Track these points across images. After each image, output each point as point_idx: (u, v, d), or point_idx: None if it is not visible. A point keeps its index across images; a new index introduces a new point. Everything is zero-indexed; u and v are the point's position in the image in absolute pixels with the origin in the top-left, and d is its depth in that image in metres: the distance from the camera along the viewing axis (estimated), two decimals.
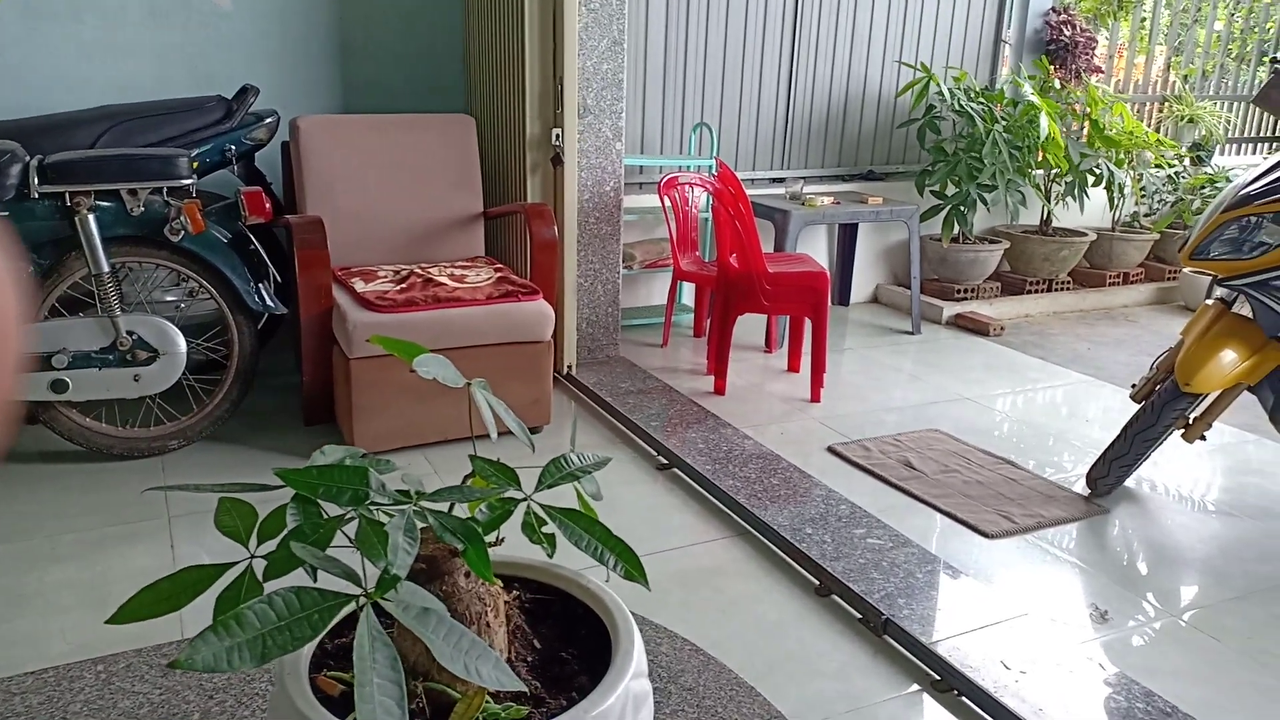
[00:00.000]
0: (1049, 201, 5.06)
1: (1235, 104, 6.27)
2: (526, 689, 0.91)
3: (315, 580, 0.95)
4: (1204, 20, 6.03)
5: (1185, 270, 5.28)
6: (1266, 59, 6.09)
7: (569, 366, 3.82)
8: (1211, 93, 6.15)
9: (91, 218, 2.75)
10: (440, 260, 3.52)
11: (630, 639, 1.11)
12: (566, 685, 1.09)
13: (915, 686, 1.99)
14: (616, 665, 1.05)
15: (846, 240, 5.00)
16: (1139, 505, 2.87)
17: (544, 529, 1.04)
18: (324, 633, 0.89)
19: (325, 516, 0.98)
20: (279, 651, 0.81)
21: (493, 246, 3.87)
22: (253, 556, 1.00)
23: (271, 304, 3.02)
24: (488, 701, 0.99)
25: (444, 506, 0.98)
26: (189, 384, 3.03)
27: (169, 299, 3.27)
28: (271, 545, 1.00)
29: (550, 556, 1.07)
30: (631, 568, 1.02)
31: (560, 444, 3.21)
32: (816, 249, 5.01)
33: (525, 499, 1.05)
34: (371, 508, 0.94)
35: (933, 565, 2.44)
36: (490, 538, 1.01)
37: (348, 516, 0.96)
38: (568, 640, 1.17)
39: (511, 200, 3.77)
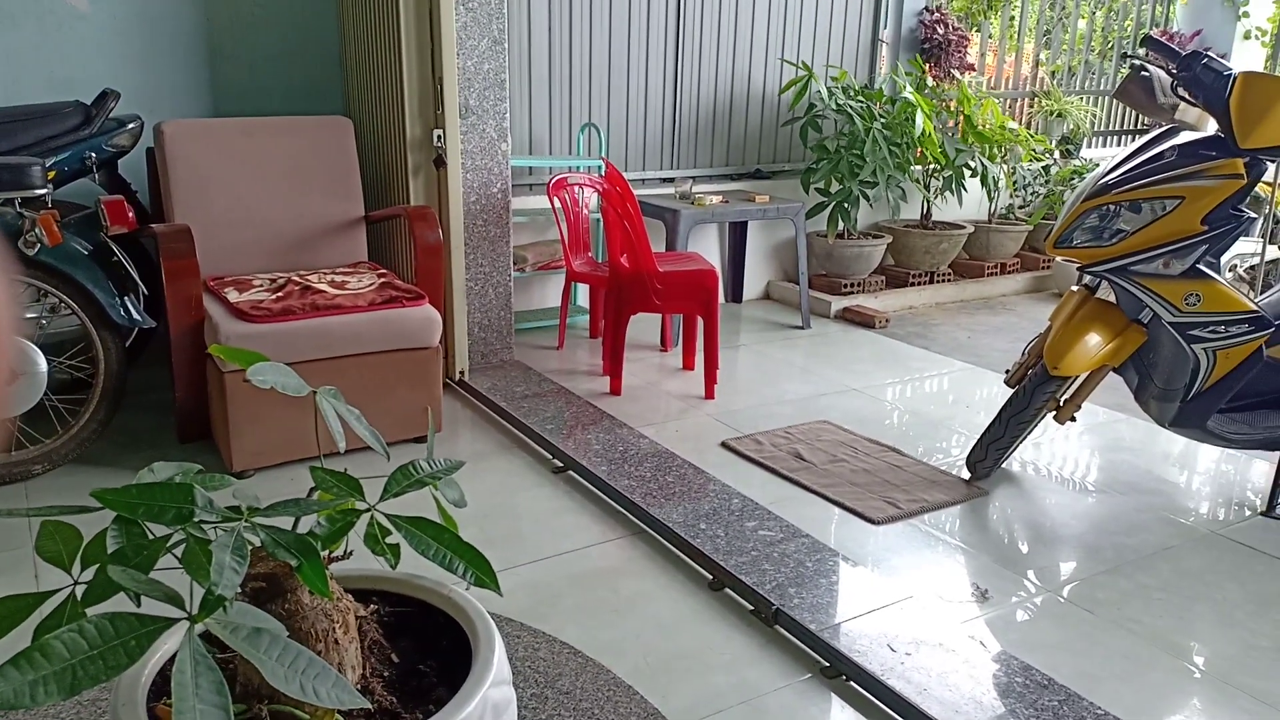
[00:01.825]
0: (929, 196, 5.22)
1: (1100, 99, 6.58)
2: (370, 706, 0.88)
3: (139, 605, 0.90)
4: (1069, 19, 6.31)
5: (1058, 258, 5.51)
6: (1124, 56, 6.41)
7: (461, 372, 3.75)
8: (1078, 88, 6.44)
9: None
10: (320, 267, 3.41)
11: (490, 646, 1.08)
12: (425, 698, 1.06)
13: (806, 674, 2.02)
14: (474, 674, 1.03)
15: (737, 238, 5.06)
16: (1017, 486, 2.97)
17: (389, 539, 1.01)
18: (160, 659, 0.84)
19: (151, 538, 0.92)
20: (91, 682, 0.76)
21: (375, 252, 3.78)
22: (76, 583, 0.94)
23: (138, 318, 2.89)
24: (337, 719, 0.95)
25: (285, 523, 0.94)
26: (52, 404, 2.87)
27: (28, 316, 3.09)
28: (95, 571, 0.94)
29: (394, 567, 1.03)
30: (482, 574, 1.00)
31: (451, 452, 3.15)
32: (708, 248, 5.05)
33: (369, 509, 1.01)
34: (201, 526, 0.89)
35: (822, 554, 2.48)
36: (338, 551, 0.97)
37: (175, 537, 0.91)
38: (429, 653, 1.14)
39: (394, 203, 3.69)
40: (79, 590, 0.93)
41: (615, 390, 3.67)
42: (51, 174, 2.92)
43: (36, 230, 2.68)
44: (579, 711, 1.78)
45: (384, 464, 1.09)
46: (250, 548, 0.87)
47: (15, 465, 2.81)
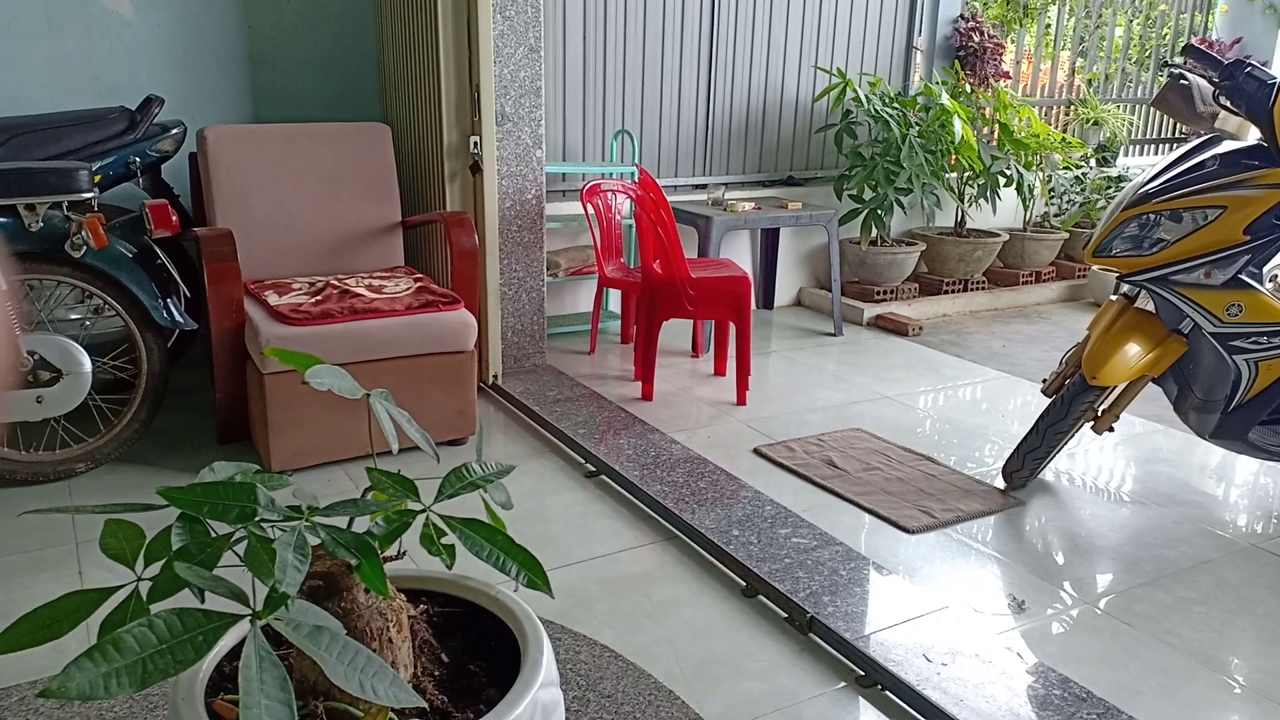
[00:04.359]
0: (963, 204, 5.19)
1: (1136, 107, 6.51)
2: (425, 704, 0.89)
3: (203, 601, 0.91)
4: (1105, 26, 6.26)
5: (1095, 267, 5.47)
6: (1163, 64, 6.35)
7: (495, 376, 3.78)
8: (1114, 96, 6.38)
9: None
10: (358, 271, 3.45)
11: (539, 648, 1.09)
12: (475, 698, 1.07)
13: (841, 683, 2.01)
14: (524, 675, 1.04)
15: (769, 245, 5.06)
16: (1053, 497, 2.94)
17: (443, 540, 1.02)
18: (216, 655, 0.86)
19: (213, 535, 0.95)
20: (160, 675, 0.78)
21: (412, 256, 3.82)
22: (139, 579, 0.96)
23: (180, 320, 2.93)
24: (391, 718, 0.97)
25: (341, 522, 0.96)
26: (96, 404, 2.92)
27: (73, 317, 3.15)
28: (161, 568, 0.96)
29: (449, 568, 1.05)
30: (534, 575, 1.01)
31: (484, 456, 3.17)
32: (739, 254, 5.05)
33: (424, 510, 1.03)
34: (262, 525, 0.91)
35: (856, 562, 2.47)
36: (391, 551, 0.99)
37: (236, 535, 0.93)
38: (477, 653, 1.15)
39: (430, 209, 3.72)
40: (142, 586, 0.95)
41: (647, 395, 3.68)
42: (97, 178, 2.97)
43: (83, 233, 2.74)
44: (621, 715, 1.79)
45: (421, 466, 1.10)
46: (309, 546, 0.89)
47: (59, 463, 2.86)
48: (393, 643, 1.02)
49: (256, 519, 0.91)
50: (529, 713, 0.99)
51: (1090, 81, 6.22)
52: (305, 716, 0.96)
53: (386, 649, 1.02)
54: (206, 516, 0.91)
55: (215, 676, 1.06)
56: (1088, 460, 3.23)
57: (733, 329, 3.80)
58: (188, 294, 3.08)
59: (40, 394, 2.76)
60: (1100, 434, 2.82)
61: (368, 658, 0.84)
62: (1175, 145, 6.67)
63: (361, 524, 1.02)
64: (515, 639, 1.14)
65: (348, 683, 0.82)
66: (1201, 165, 2.58)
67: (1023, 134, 5.04)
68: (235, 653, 1.10)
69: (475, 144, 3.55)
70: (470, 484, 1.06)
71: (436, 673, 1.10)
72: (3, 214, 2.69)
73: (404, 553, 1.06)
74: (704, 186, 4.93)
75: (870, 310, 4.88)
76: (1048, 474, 3.08)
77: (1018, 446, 2.92)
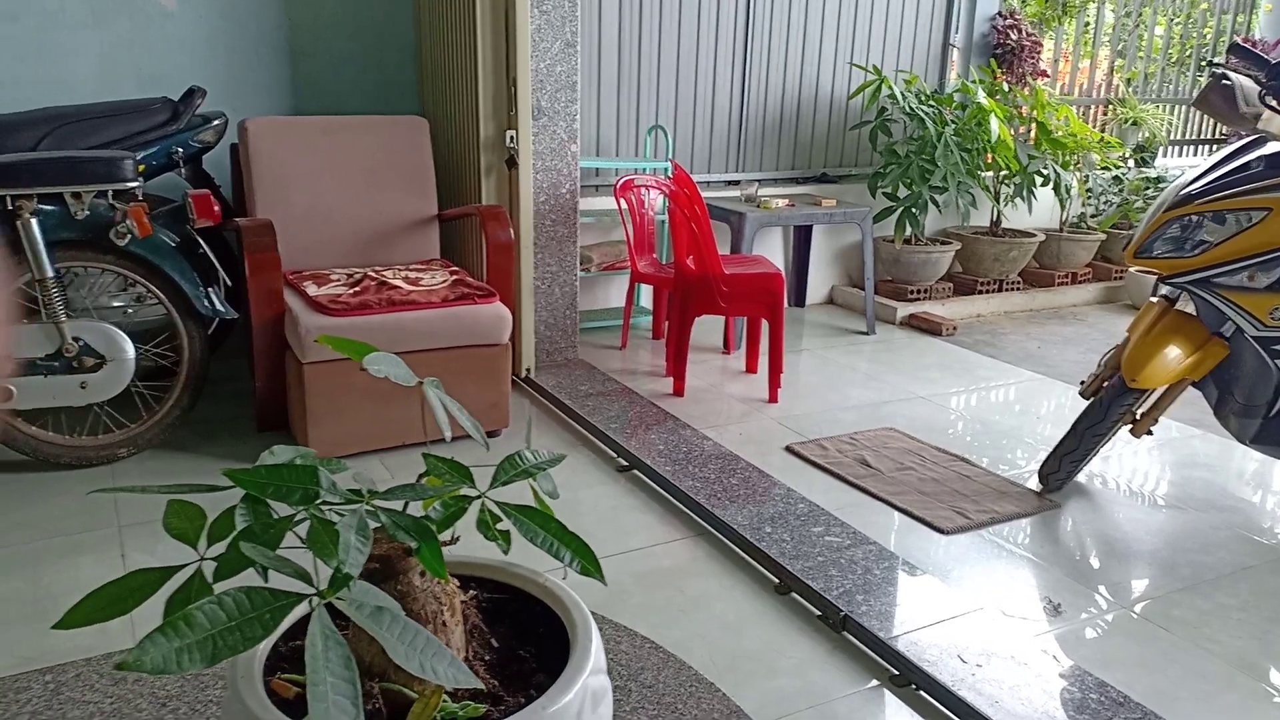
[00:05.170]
0: (998, 203, 5.15)
1: (1176, 107, 6.43)
2: (484, 686, 0.91)
3: (266, 581, 0.93)
4: (1145, 24, 6.18)
5: (1131, 269, 5.40)
6: (1205, 64, 6.26)
7: (527, 369, 3.80)
8: (1154, 96, 6.31)
9: (34, 222, 2.69)
10: (394, 263, 3.48)
11: (588, 635, 1.10)
12: (524, 683, 1.08)
13: (874, 682, 2.01)
14: (574, 661, 1.05)
15: (801, 242, 5.04)
16: (1090, 500, 2.92)
17: (498, 526, 1.04)
18: (277, 635, 0.87)
19: (275, 517, 0.96)
20: (230, 652, 0.79)
21: (448, 249, 3.85)
22: (202, 559, 0.98)
23: (222, 309, 2.97)
24: (445, 700, 0.98)
25: (397, 506, 0.97)
26: (138, 391, 2.97)
27: (116, 304, 3.20)
28: (221, 548, 0.98)
29: (505, 553, 1.06)
30: (587, 563, 1.02)
31: (518, 448, 3.19)
32: (772, 251, 5.04)
33: (480, 496, 1.04)
34: (322, 507, 0.93)
35: (890, 562, 2.47)
36: (445, 536, 1.00)
37: (298, 517, 0.95)
38: (524, 639, 1.17)
39: (466, 202, 3.75)
40: (205, 567, 0.97)
41: (678, 391, 3.69)
42: (141, 168, 3.01)
43: (128, 222, 2.78)
44: (662, 705, 1.80)
45: (462, 456, 1.11)
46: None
47: (102, 448, 2.91)
48: (446, 626, 1.04)
49: (318, 501, 0.93)
50: (579, 699, 1.01)
51: (1129, 81, 6.15)
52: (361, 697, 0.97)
53: (441, 632, 1.03)
54: (271, 498, 0.93)
55: (270, 656, 1.08)
56: (1123, 464, 3.20)
57: (765, 326, 3.80)
58: (228, 283, 3.12)
59: (85, 380, 2.81)
60: (1139, 437, 2.79)
61: (427, 639, 0.85)
62: (1215, 147, 6.58)
63: (414, 509, 1.03)
64: (562, 627, 1.16)
65: (408, 662, 0.83)
66: (1246, 166, 2.54)
67: (1060, 133, 4.99)
68: (288, 634, 1.12)
69: (511, 138, 3.57)
70: (523, 471, 1.07)
71: (487, 657, 1.11)
72: (49, 202, 2.73)
73: (457, 538, 1.07)
74: (737, 183, 4.93)
75: (903, 309, 4.85)
76: (1082, 477, 3.06)
77: (1054, 448, 2.90)
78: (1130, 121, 5.81)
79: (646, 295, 4.67)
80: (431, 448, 2.76)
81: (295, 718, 0.97)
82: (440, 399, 1.09)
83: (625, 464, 3.05)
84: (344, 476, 1.01)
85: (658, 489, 2.89)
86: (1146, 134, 5.82)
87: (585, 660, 1.05)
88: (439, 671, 0.84)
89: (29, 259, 2.69)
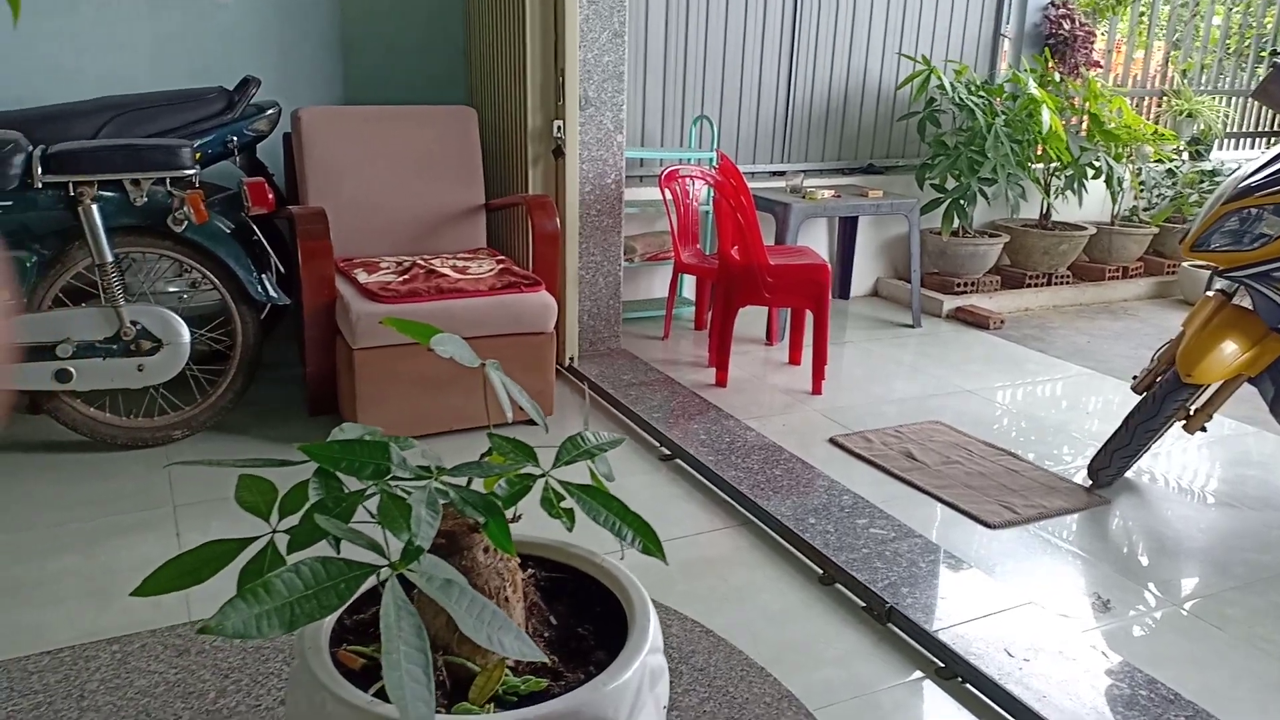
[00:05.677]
0: (1048, 195, 5.08)
1: (1233, 98, 6.29)
2: (547, 660, 0.92)
3: (339, 552, 0.96)
4: (1202, 15, 6.05)
5: (1185, 264, 5.30)
6: (1265, 54, 6.11)
7: (571, 358, 3.82)
8: (1210, 87, 6.17)
9: (95, 208, 2.75)
10: (442, 251, 3.52)
11: (646, 615, 1.12)
12: (583, 660, 1.10)
13: (919, 673, 2.01)
14: (634, 639, 1.06)
15: (847, 233, 5.01)
16: (1140, 496, 2.88)
17: (562, 504, 1.05)
18: (346, 605, 0.89)
19: (345, 491, 0.99)
20: (306, 619, 0.82)
21: (494, 238, 3.88)
22: (275, 531, 1.01)
23: (275, 295, 3.03)
24: (507, 674, 1.00)
25: (462, 483, 0.99)
26: (193, 374, 3.03)
27: (172, 289, 3.27)
28: (292, 521, 1.00)
29: (569, 531, 1.08)
30: (649, 542, 1.03)
31: (562, 436, 3.22)
32: (817, 242, 5.02)
33: (543, 475, 1.06)
34: (392, 483, 0.95)
35: (935, 555, 2.45)
36: (508, 514, 1.02)
37: (368, 492, 0.97)
38: (581, 618, 1.18)
39: (513, 192, 3.77)
40: (277, 539, 0.99)
41: (721, 382, 3.69)
42: (197, 156, 3.07)
43: (185, 209, 2.84)
44: (714, 688, 1.81)
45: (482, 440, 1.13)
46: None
47: (158, 430, 2.98)
48: (509, 601, 1.06)
49: (389, 476, 0.95)
50: (638, 676, 1.02)
51: (1185, 72, 6.02)
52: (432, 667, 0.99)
53: (504, 607, 1.05)
54: (343, 472, 0.95)
55: (335, 629, 1.11)
56: (1174, 461, 3.15)
57: (809, 317, 3.79)
58: (281, 269, 3.17)
59: (142, 363, 2.87)
60: (1192, 433, 2.75)
61: (494, 612, 0.87)
62: (1273, 139, 6.43)
63: (476, 486, 1.05)
64: (617, 607, 1.17)
65: (476, 634, 0.85)
66: None
67: (1113, 125, 4.91)
68: (352, 608, 1.15)
69: (558, 128, 3.59)
70: (585, 452, 1.09)
71: (546, 634, 1.13)
72: (109, 189, 2.80)
73: (519, 516, 1.09)
74: (782, 173, 4.90)
75: (950, 302, 4.81)
76: (1132, 473, 3.01)
77: (1105, 444, 2.86)
78: (1185, 113, 5.70)
79: (689, 286, 4.67)
80: (479, 434, 2.80)
81: (361, 688, 0.99)
82: (503, 380, 1.11)
83: (668, 453, 3.06)
84: (412, 453, 1.03)
85: (700, 478, 2.90)
86: (1202, 126, 5.70)
87: (644, 638, 1.06)
88: (505, 644, 0.86)
89: (90, 244, 2.76)
